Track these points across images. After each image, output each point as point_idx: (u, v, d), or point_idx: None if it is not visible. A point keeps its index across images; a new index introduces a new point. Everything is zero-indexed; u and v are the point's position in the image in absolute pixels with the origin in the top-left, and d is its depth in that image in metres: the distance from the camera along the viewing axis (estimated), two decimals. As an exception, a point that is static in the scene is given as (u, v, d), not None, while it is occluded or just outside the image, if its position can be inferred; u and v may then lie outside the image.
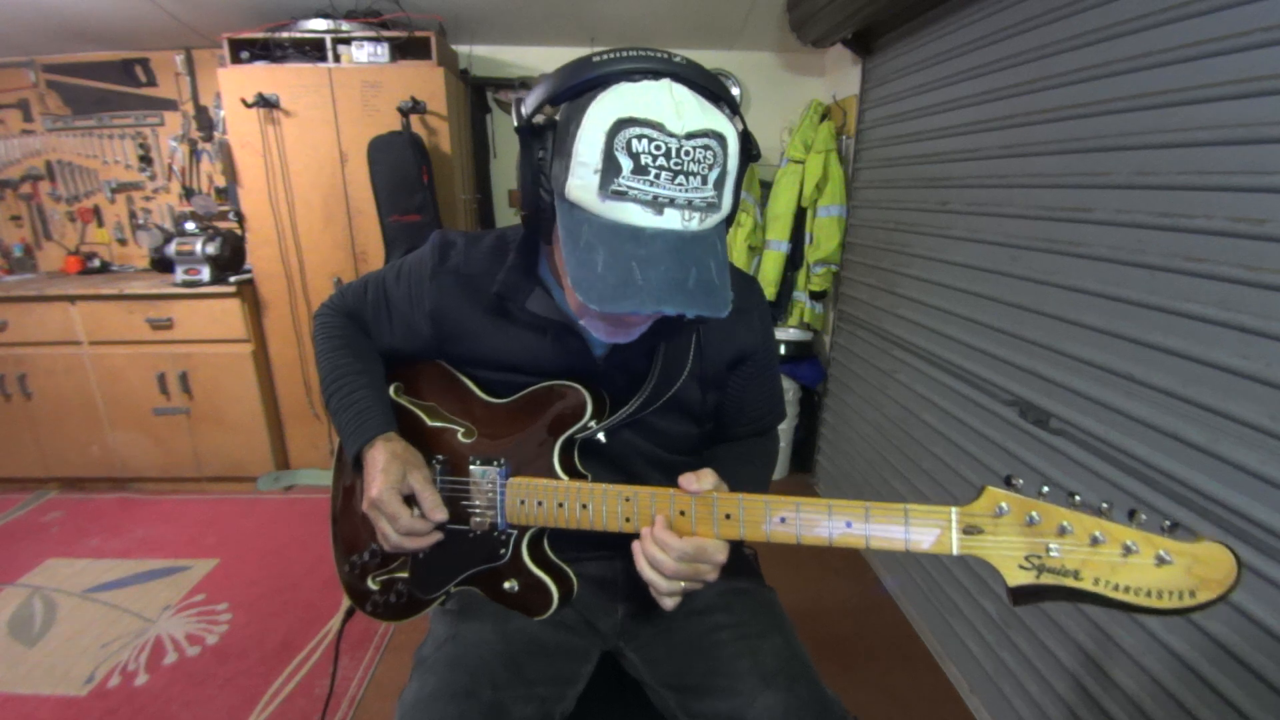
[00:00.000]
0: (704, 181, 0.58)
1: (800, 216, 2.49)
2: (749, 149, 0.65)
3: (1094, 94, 1.19)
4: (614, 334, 0.72)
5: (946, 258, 1.69)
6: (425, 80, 2.27)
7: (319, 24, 2.25)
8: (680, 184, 0.57)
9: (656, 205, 0.57)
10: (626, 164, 0.56)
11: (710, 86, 0.62)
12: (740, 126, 0.63)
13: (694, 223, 0.59)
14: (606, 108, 0.57)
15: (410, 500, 0.79)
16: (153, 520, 2.43)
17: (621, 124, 0.56)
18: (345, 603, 0.92)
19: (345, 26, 2.26)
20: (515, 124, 0.64)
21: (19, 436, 2.55)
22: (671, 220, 0.58)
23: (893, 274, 2.02)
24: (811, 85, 2.75)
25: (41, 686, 1.60)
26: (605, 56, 0.60)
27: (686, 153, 0.57)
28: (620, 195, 0.57)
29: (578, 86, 0.60)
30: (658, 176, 0.57)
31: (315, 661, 1.69)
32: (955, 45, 1.67)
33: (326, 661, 1.68)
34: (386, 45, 2.24)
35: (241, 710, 1.53)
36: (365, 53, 2.24)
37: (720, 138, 0.59)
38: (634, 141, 0.56)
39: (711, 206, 0.60)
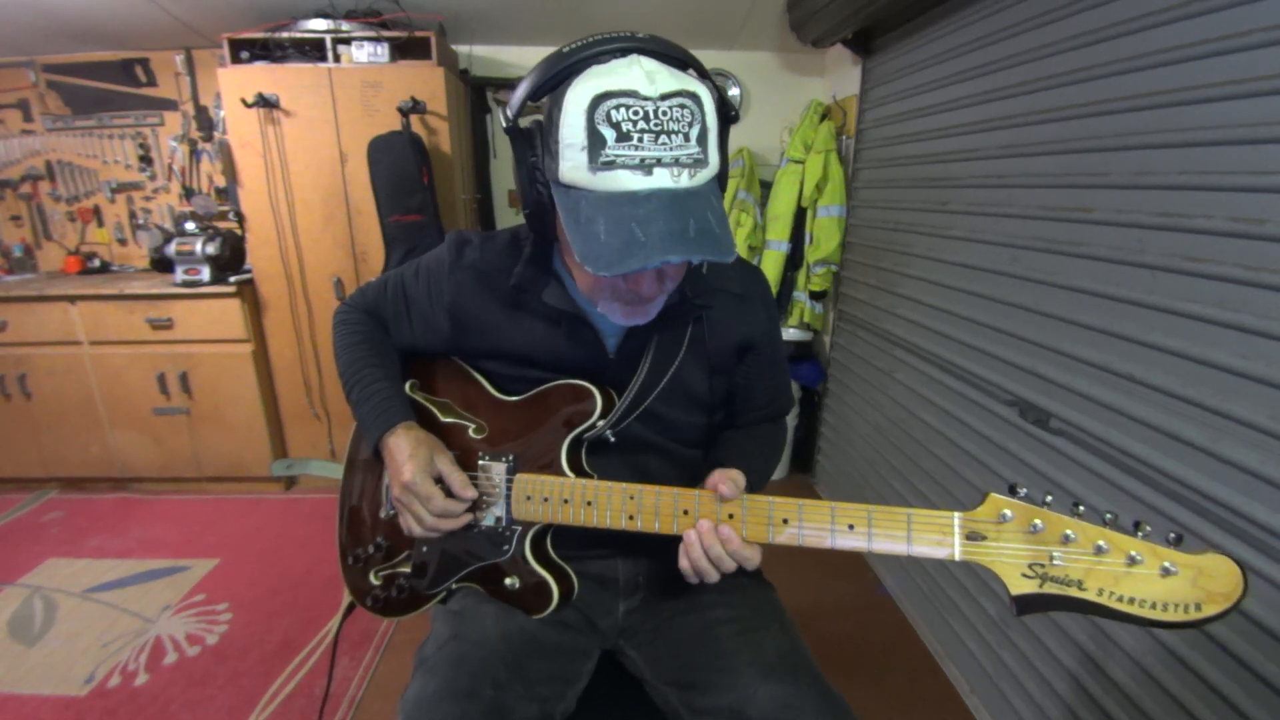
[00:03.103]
0: (686, 139, 0.60)
1: (800, 216, 2.48)
2: (726, 109, 0.67)
3: (1094, 94, 1.19)
4: (631, 314, 0.72)
5: (946, 258, 1.69)
6: (425, 80, 2.27)
7: (319, 24, 2.25)
8: (664, 143, 0.59)
9: (645, 167, 0.59)
10: (610, 134, 0.59)
11: (676, 55, 0.65)
12: (713, 90, 0.66)
13: (684, 178, 0.61)
14: (583, 89, 0.60)
15: (437, 483, 0.80)
16: (153, 520, 2.43)
17: (599, 99, 0.59)
18: (345, 600, 0.92)
19: (345, 26, 2.26)
20: (504, 125, 0.67)
21: (19, 436, 2.55)
22: (662, 179, 0.60)
23: (893, 274, 2.02)
24: (811, 85, 2.75)
25: (41, 686, 1.60)
26: (574, 45, 0.63)
27: (664, 112, 0.59)
28: (609, 165, 0.59)
29: (554, 78, 0.63)
30: (641, 140, 0.59)
31: (315, 661, 1.69)
32: (955, 45, 1.67)
33: (326, 661, 1.68)
34: (386, 45, 2.24)
35: (241, 710, 1.53)
36: (365, 53, 2.24)
37: (694, 96, 0.61)
38: (613, 112, 0.59)
39: (699, 162, 0.62)
